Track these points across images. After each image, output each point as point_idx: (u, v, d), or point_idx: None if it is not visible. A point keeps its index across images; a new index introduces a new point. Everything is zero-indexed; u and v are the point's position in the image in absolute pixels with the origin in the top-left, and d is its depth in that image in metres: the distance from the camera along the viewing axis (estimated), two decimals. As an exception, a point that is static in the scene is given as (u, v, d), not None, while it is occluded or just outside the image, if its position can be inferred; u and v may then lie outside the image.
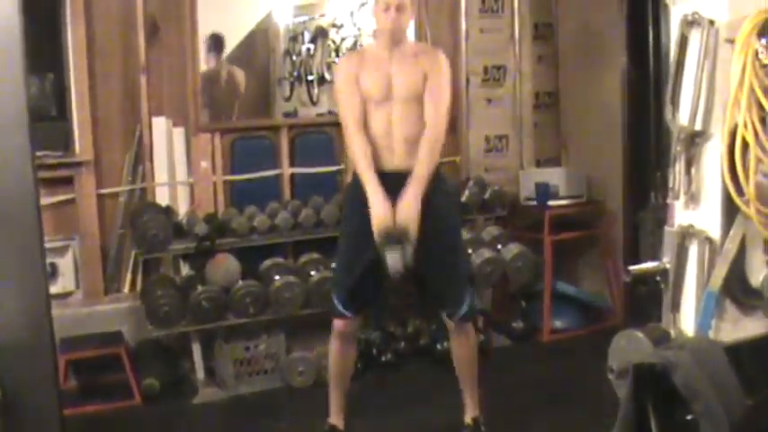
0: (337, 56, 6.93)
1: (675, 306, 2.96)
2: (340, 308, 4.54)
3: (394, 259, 4.19)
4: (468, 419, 4.68)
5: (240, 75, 6.67)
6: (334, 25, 6.94)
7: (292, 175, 6.44)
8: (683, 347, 2.67)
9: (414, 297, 5.17)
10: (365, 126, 4.39)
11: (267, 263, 5.95)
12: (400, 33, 4.40)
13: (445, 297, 4.56)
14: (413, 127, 4.38)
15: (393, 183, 4.34)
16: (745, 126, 2.68)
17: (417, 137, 4.38)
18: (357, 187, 4.43)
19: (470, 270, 5.04)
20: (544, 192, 6.66)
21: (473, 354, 4.67)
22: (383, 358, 5.99)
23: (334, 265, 5.06)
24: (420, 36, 6.72)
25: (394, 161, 4.40)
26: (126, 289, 6.03)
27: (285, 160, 6.41)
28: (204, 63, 6.33)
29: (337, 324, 4.60)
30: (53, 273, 5.73)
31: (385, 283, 4.54)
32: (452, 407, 4.75)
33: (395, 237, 4.19)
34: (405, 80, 4.38)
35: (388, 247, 4.20)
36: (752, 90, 2.68)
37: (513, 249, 6.16)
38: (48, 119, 5.98)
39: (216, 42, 6.42)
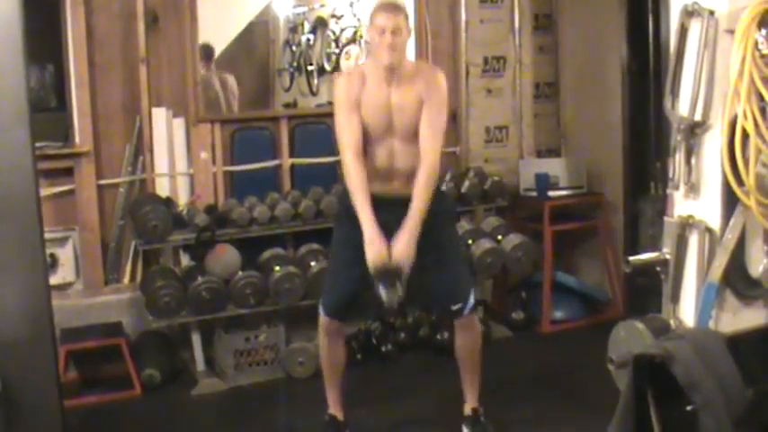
0: (337, 46, 6.93)
1: (675, 297, 2.97)
2: (326, 311, 4.58)
3: (388, 296, 4.19)
4: (467, 410, 4.68)
5: (232, 81, 6.66)
6: (333, 16, 6.94)
7: (292, 166, 6.44)
8: (682, 338, 2.68)
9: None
10: (365, 155, 4.40)
11: (267, 254, 5.95)
12: (398, 60, 4.32)
13: (450, 296, 4.54)
14: (413, 159, 4.39)
15: (391, 206, 4.36)
16: (745, 116, 2.68)
17: (417, 167, 4.38)
18: (350, 200, 4.44)
19: (469, 268, 5.03)
20: (544, 182, 6.66)
21: (478, 348, 4.65)
22: (383, 349, 5.99)
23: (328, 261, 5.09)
24: (420, 27, 6.71)
25: (392, 188, 4.43)
26: (126, 280, 6.03)
27: (285, 151, 6.41)
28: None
29: (323, 321, 4.62)
30: (53, 264, 5.73)
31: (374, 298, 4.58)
32: (452, 398, 4.76)
33: (390, 274, 4.19)
34: (405, 116, 4.36)
35: (382, 283, 4.20)
36: (752, 80, 2.68)
37: (513, 240, 6.15)
38: (48, 110, 5.99)
39: (205, 52, 6.41)
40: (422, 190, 4.29)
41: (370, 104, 4.36)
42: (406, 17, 4.38)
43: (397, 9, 4.39)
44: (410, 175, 4.38)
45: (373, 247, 4.19)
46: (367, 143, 4.39)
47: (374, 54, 4.41)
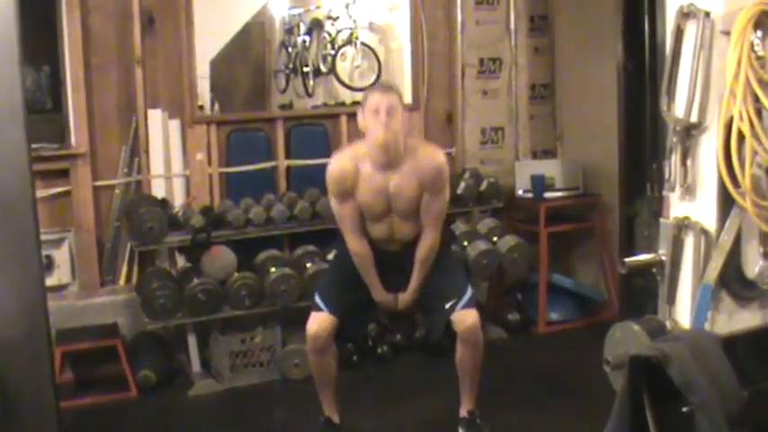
0: (333, 47, 6.93)
1: (671, 298, 2.97)
2: (329, 308, 4.51)
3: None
4: (463, 412, 4.67)
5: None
6: (329, 17, 6.96)
7: (288, 168, 6.44)
8: (678, 339, 2.67)
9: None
10: (365, 230, 4.53)
11: (263, 255, 5.95)
12: (394, 141, 4.29)
13: (442, 296, 4.53)
14: (413, 229, 4.52)
15: (393, 256, 4.56)
16: (741, 118, 2.68)
17: (418, 233, 4.52)
18: None
19: (466, 275, 5.03)
20: (540, 184, 6.66)
21: (479, 360, 4.59)
22: (379, 350, 5.99)
23: (328, 259, 5.09)
24: (415, 28, 6.72)
25: (393, 246, 4.57)
26: (122, 281, 6.03)
27: (281, 152, 6.41)
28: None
29: (312, 324, 4.50)
30: (49, 265, 5.72)
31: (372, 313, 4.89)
32: (448, 399, 4.75)
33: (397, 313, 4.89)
34: (403, 200, 4.42)
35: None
36: (747, 82, 2.68)
37: (508, 241, 6.15)
38: (43, 111, 5.98)
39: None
40: (422, 264, 4.58)
41: (366, 191, 4.41)
42: (401, 99, 4.39)
43: (391, 90, 4.45)
44: (411, 240, 4.54)
45: (383, 301, 4.66)
46: (366, 219, 4.50)
47: (369, 137, 4.34)
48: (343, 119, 6.50)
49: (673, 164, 2.92)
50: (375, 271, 4.56)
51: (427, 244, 4.51)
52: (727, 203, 2.83)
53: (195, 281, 5.53)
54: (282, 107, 6.89)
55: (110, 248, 6.00)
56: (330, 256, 5.62)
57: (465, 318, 4.44)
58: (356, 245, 4.51)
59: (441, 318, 4.55)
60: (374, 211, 4.45)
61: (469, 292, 4.52)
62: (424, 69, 6.81)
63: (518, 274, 6.61)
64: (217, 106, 6.66)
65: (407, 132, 4.45)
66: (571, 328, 6.58)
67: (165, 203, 5.88)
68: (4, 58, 3.41)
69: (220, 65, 6.83)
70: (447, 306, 4.47)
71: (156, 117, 6.04)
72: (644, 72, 6.20)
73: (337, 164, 4.48)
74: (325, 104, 6.93)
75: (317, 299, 4.54)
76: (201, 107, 6.32)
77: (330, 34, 6.93)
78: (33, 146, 3.76)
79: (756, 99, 2.68)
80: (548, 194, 6.70)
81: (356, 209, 4.44)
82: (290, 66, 6.98)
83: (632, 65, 6.44)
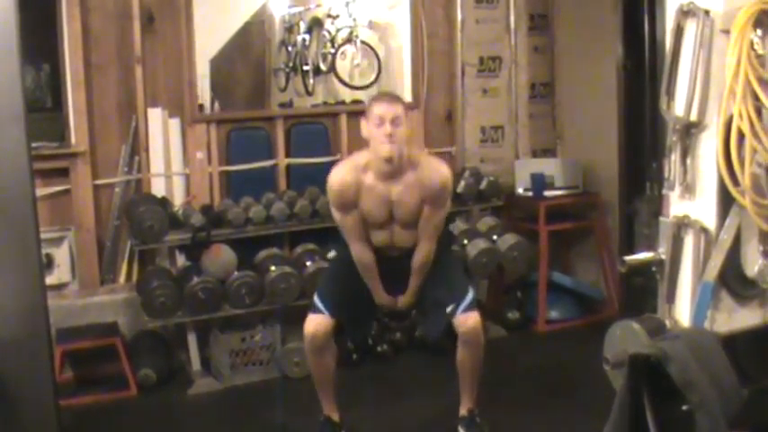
0: (333, 46, 6.93)
1: (671, 296, 2.97)
2: (329, 310, 4.50)
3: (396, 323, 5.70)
4: (463, 411, 4.67)
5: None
6: (329, 16, 6.95)
7: (288, 166, 6.44)
8: (678, 338, 2.67)
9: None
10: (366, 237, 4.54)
11: (263, 253, 5.95)
12: (399, 153, 4.28)
13: (443, 300, 4.53)
14: (413, 236, 4.53)
15: (393, 261, 4.58)
16: (741, 117, 2.68)
17: (417, 240, 4.53)
18: None
19: (467, 277, 4.98)
20: (540, 182, 6.66)
21: (480, 361, 4.58)
22: (379, 349, 5.99)
23: (328, 258, 5.09)
24: (415, 26, 6.71)
25: (394, 252, 4.58)
26: (122, 280, 6.02)
27: (281, 151, 6.41)
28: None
29: (309, 325, 4.50)
30: (49, 264, 5.72)
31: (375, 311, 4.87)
32: (448, 398, 4.75)
33: (397, 313, 5.11)
34: (405, 210, 4.43)
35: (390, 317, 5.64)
36: (747, 81, 2.68)
37: (508, 240, 6.16)
38: (44, 110, 5.99)
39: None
40: (417, 273, 4.59)
41: (368, 201, 4.40)
42: (406, 109, 4.38)
43: (396, 99, 4.43)
44: (411, 247, 4.55)
45: (384, 303, 4.70)
46: (367, 226, 4.49)
47: (373, 147, 4.34)
48: (343, 117, 6.51)
49: (672, 162, 2.92)
50: (377, 275, 4.57)
51: (422, 254, 4.52)
52: (726, 202, 2.83)
53: (195, 279, 5.53)
54: (282, 106, 6.89)
55: (110, 247, 6.00)
56: (330, 255, 5.62)
57: (466, 320, 4.45)
58: (360, 252, 4.51)
59: (441, 320, 4.55)
60: (376, 220, 4.45)
61: (470, 294, 4.52)
62: (423, 68, 6.81)
63: (518, 273, 6.61)
64: (217, 105, 6.66)
65: (410, 140, 4.49)
66: (571, 327, 6.58)
67: (165, 202, 5.88)
68: (4, 57, 3.42)
69: (220, 63, 6.83)
70: (448, 310, 4.47)
71: (156, 116, 6.04)
72: (644, 71, 6.22)
73: (338, 177, 4.42)
74: (325, 103, 6.93)
75: (316, 299, 4.55)
76: (201, 106, 6.32)
77: (330, 33, 6.93)
78: (33, 144, 3.77)
79: (756, 98, 2.68)
80: (547, 193, 6.70)
81: (359, 219, 4.44)
82: (290, 64, 6.98)
83: (632, 63, 6.45)
